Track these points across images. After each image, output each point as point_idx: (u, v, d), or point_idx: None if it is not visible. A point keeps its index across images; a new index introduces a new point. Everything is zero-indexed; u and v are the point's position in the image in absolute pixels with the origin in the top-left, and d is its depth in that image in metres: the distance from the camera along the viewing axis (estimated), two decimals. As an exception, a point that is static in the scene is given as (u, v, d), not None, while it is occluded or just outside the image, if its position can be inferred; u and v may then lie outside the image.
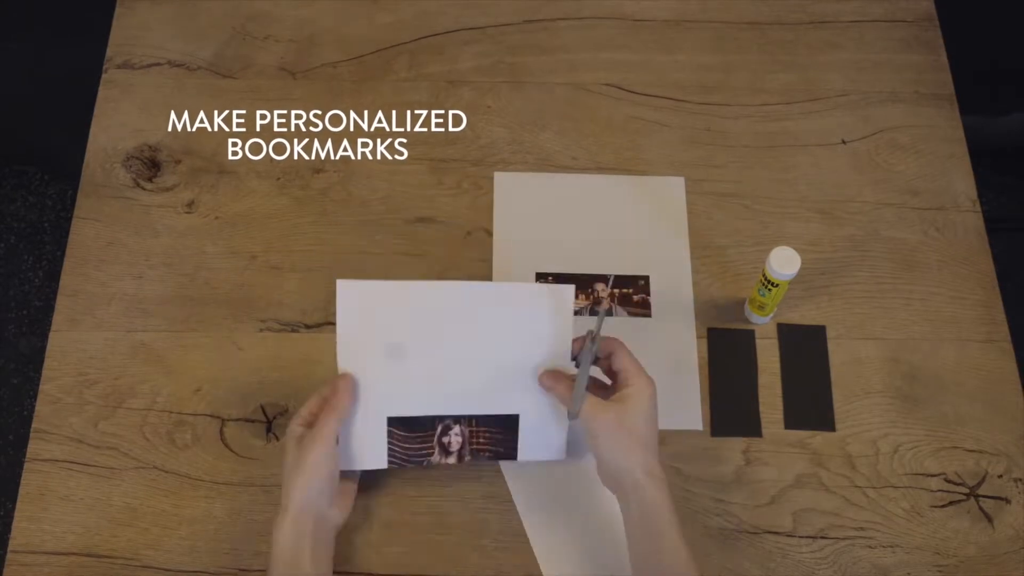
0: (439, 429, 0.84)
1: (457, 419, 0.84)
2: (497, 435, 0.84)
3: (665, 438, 0.90)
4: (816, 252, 0.99)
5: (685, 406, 0.91)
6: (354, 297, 0.81)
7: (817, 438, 0.90)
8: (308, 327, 0.94)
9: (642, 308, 0.96)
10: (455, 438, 0.84)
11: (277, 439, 0.89)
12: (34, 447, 0.89)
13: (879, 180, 1.03)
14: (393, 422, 0.83)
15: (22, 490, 0.87)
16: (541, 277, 0.96)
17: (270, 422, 0.90)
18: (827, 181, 1.03)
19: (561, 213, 1.00)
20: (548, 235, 0.99)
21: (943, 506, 0.88)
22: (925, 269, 0.99)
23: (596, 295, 0.96)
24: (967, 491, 0.89)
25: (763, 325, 0.95)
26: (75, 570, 0.84)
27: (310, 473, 0.77)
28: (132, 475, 0.88)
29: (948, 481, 0.89)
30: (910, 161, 1.04)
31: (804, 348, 0.94)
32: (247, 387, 0.92)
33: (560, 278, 0.96)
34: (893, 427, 0.91)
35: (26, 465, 0.88)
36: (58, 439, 0.89)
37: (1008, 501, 0.88)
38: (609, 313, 0.95)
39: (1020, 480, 0.89)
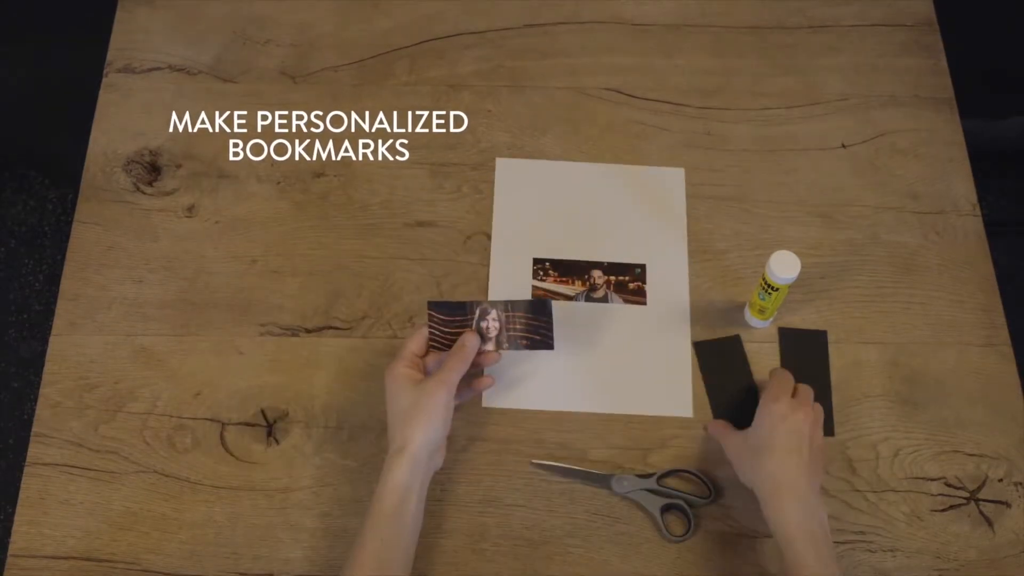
0: (477, 313, 0.87)
1: (494, 304, 0.87)
2: (532, 322, 0.87)
3: (663, 431, 0.90)
4: (816, 256, 0.99)
5: (675, 394, 0.93)
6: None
7: (817, 442, 0.90)
8: (308, 331, 0.94)
9: (637, 296, 0.97)
10: (492, 323, 0.87)
11: (277, 443, 0.89)
12: (34, 451, 0.89)
13: (879, 184, 1.03)
14: (432, 306, 0.87)
15: (22, 494, 0.87)
16: (538, 263, 0.98)
17: (270, 426, 0.90)
18: (827, 185, 1.03)
19: (560, 200, 1.02)
20: (546, 221, 1.01)
21: (943, 510, 0.88)
22: (925, 273, 0.99)
23: (592, 281, 0.97)
24: (967, 495, 0.89)
25: (763, 329, 0.95)
26: (75, 574, 0.84)
27: (433, 415, 0.80)
28: (132, 479, 0.88)
29: (948, 485, 0.89)
30: (910, 165, 1.04)
31: (805, 353, 0.94)
32: (247, 391, 0.92)
33: (557, 264, 0.98)
34: (893, 431, 0.91)
35: (26, 469, 0.88)
36: (58, 443, 0.89)
37: (1008, 505, 0.88)
38: (604, 300, 0.96)
39: (1020, 484, 0.89)
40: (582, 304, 0.96)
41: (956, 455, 0.90)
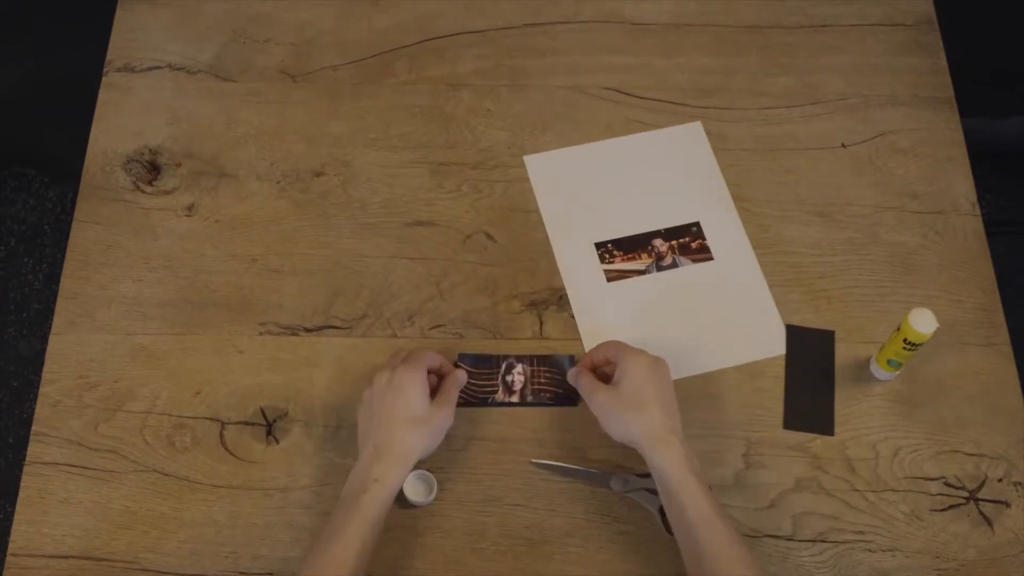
0: (503, 367, 0.91)
1: (519, 359, 0.92)
2: (557, 376, 0.91)
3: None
4: (816, 255, 0.99)
5: (766, 335, 0.95)
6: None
7: (817, 441, 0.90)
8: (308, 330, 0.94)
9: (702, 253, 0.98)
10: (518, 377, 0.91)
11: (277, 442, 0.89)
12: (34, 450, 0.89)
13: (879, 183, 1.03)
14: (462, 358, 0.92)
15: (22, 493, 0.87)
16: (600, 246, 0.98)
17: (270, 425, 0.90)
18: (827, 184, 1.03)
19: (596, 180, 1.02)
20: (592, 204, 1.01)
21: (943, 510, 0.88)
22: (925, 272, 0.99)
23: (657, 250, 0.98)
24: (967, 495, 0.89)
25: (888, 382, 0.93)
26: (74, 573, 0.84)
27: (438, 436, 0.84)
28: (132, 478, 0.88)
29: (948, 485, 0.89)
30: (910, 164, 1.04)
31: (811, 351, 0.94)
32: (247, 390, 0.92)
33: (618, 243, 0.99)
34: (893, 431, 0.91)
35: (26, 468, 0.88)
36: (58, 442, 0.89)
37: (1008, 505, 0.88)
38: (674, 266, 0.97)
39: (1020, 484, 0.89)
40: (655, 275, 0.97)
41: (955, 455, 0.90)
